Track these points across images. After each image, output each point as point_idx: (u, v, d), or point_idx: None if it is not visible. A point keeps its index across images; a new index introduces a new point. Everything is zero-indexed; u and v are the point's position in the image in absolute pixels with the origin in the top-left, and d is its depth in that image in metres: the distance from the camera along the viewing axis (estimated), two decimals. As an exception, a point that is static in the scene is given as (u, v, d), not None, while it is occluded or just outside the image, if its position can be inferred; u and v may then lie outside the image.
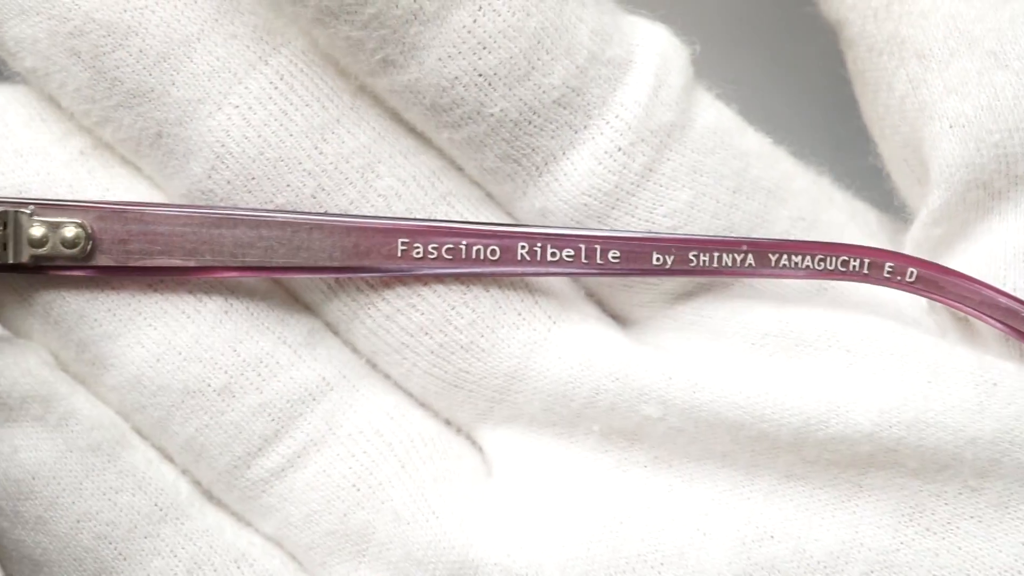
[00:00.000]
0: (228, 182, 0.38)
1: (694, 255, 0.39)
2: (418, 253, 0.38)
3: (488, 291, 0.40)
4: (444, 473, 0.41)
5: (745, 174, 0.41)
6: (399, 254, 0.38)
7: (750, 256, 0.39)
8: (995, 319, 0.39)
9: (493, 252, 0.39)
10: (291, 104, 0.38)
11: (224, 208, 0.38)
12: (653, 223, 0.40)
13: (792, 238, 0.41)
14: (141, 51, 0.37)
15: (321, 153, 0.38)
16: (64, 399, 0.39)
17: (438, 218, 0.39)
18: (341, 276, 0.39)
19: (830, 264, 0.39)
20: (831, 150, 0.44)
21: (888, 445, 0.39)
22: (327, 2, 0.36)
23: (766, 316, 0.41)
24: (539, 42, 0.38)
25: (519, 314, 0.40)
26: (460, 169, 0.40)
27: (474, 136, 0.39)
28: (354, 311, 0.40)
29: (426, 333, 0.40)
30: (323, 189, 0.38)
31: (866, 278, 0.39)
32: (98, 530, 0.39)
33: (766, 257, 0.39)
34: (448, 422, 0.42)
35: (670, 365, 0.40)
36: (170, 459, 0.40)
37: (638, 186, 0.39)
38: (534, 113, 0.38)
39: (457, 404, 0.41)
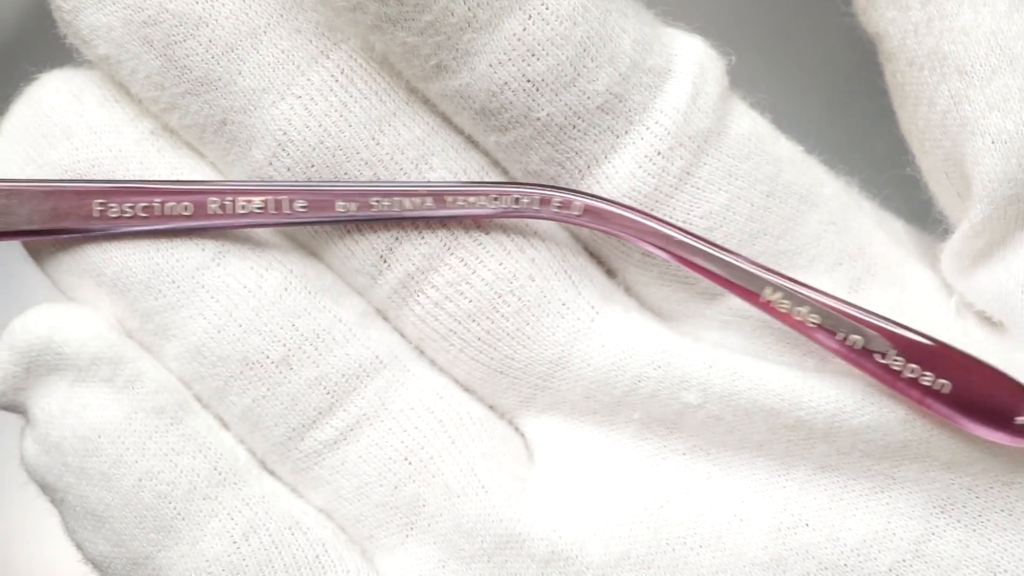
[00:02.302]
0: (288, 169, 0.40)
1: (375, 200, 0.40)
2: (114, 213, 0.40)
3: (533, 281, 0.41)
4: (492, 451, 0.42)
5: (778, 179, 0.41)
6: (96, 214, 0.40)
7: (428, 200, 0.40)
8: (655, 245, 0.40)
9: (186, 208, 0.40)
10: (351, 96, 0.40)
11: None
12: (691, 224, 0.41)
13: (818, 240, 0.42)
14: (210, 41, 0.39)
15: (378, 144, 0.40)
16: (132, 363, 0.40)
17: (130, 179, 0.41)
18: (41, 239, 0.41)
19: (503, 202, 0.40)
20: (864, 160, 0.45)
21: (922, 435, 0.40)
22: (386, 9, 0.38)
23: None
24: (585, 50, 0.39)
25: (563, 304, 0.41)
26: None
27: (520, 140, 0.40)
28: (403, 298, 0.41)
29: (474, 320, 0.41)
30: (378, 178, 0.40)
31: (538, 214, 0.40)
32: (159, 489, 0.40)
33: (443, 200, 0.40)
34: (492, 408, 0.43)
35: (710, 354, 0.41)
36: (227, 429, 0.42)
37: (676, 189, 0.41)
38: (578, 118, 0.40)
39: (501, 391, 0.42)
